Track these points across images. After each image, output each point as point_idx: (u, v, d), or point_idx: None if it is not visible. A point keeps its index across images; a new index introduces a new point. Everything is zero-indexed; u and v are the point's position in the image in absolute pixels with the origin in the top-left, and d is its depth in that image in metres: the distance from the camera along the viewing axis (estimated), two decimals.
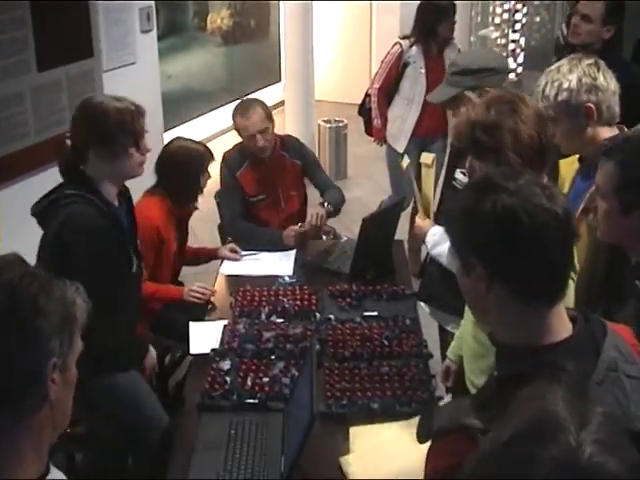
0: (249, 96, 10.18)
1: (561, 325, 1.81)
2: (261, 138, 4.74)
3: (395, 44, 6.40)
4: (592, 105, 3.08)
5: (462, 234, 1.86)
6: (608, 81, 3.09)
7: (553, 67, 3.20)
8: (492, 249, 1.76)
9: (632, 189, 2.34)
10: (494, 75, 3.72)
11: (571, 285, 2.40)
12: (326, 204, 4.87)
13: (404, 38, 6.33)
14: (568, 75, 3.09)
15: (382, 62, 6.50)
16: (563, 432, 1.15)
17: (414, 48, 6.26)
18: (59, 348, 1.53)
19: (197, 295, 4.26)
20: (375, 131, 6.60)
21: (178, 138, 4.76)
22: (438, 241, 3.48)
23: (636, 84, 4.42)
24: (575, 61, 3.14)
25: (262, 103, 4.90)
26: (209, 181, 4.61)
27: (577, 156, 3.20)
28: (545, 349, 1.77)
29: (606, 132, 3.10)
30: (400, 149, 6.45)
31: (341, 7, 11.52)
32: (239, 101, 4.98)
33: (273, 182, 4.97)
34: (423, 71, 6.22)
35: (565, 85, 3.09)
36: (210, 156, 4.57)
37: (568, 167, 3.24)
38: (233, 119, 4.85)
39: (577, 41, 4.76)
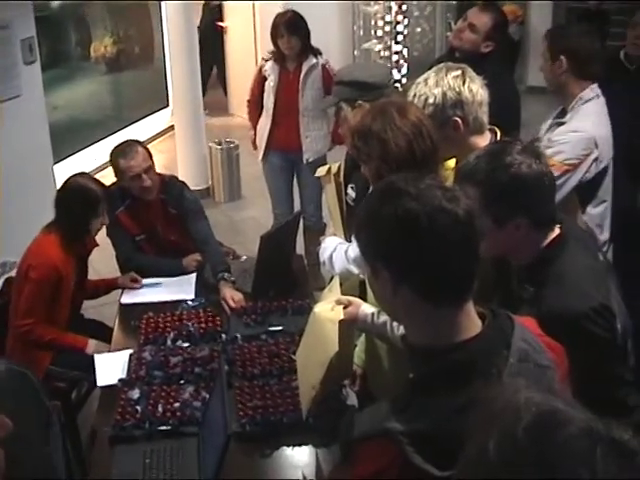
0: (138, 123, 10.29)
1: (470, 322, 1.84)
2: (147, 178, 4.61)
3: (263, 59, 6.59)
4: (458, 119, 3.15)
5: (367, 239, 1.89)
6: (474, 93, 3.14)
7: (421, 78, 3.25)
8: (394, 253, 1.79)
9: (498, 203, 2.42)
10: (368, 90, 3.70)
11: None
12: (225, 276, 4.46)
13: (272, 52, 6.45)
14: (434, 89, 3.14)
15: None
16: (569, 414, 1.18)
17: (269, 62, 6.39)
18: None
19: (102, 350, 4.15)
20: (251, 142, 6.80)
21: (79, 175, 4.61)
22: (326, 248, 3.51)
23: (508, 96, 4.57)
24: (442, 73, 3.18)
25: (141, 143, 4.79)
26: None
27: (454, 160, 3.26)
28: (457, 347, 1.80)
29: (478, 140, 3.16)
30: (259, 158, 6.63)
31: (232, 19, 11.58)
32: (116, 145, 4.78)
33: (152, 225, 4.85)
34: (272, 84, 6.34)
35: (430, 100, 3.14)
36: (104, 198, 4.40)
37: (447, 171, 3.29)
38: (114, 163, 4.67)
39: (457, 44, 4.89)
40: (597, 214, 3.98)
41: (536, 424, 1.13)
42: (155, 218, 4.84)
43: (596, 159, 3.84)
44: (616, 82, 4.89)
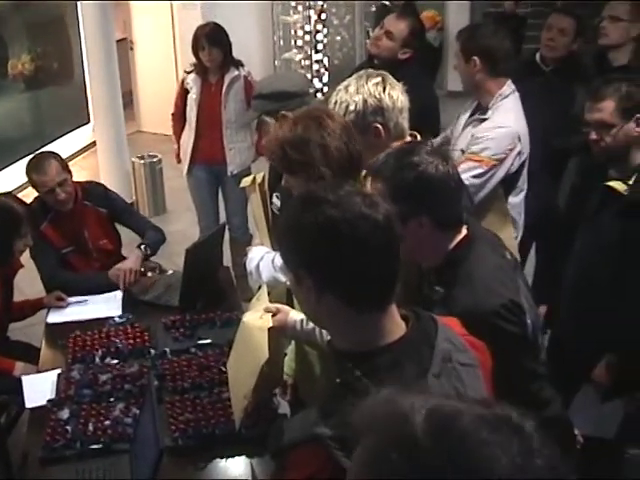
0: (59, 140, 10.16)
1: (394, 325, 1.87)
2: (61, 191, 4.63)
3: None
4: (379, 125, 3.21)
5: (289, 247, 1.90)
6: (394, 100, 3.21)
7: (342, 86, 3.30)
8: (316, 260, 1.81)
9: (402, 200, 2.42)
10: (289, 99, 3.72)
11: None
12: (142, 247, 4.82)
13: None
14: (354, 96, 3.20)
15: None
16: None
17: (191, 75, 6.38)
18: None
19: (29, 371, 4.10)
20: (175, 155, 6.76)
21: (2, 195, 4.57)
22: (252, 258, 3.51)
23: (426, 101, 4.64)
24: (362, 80, 3.24)
25: (56, 155, 4.78)
26: None
27: None
28: (381, 350, 1.83)
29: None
30: (184, 172, 6.61)
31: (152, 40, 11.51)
32: (31, 157, 4.81)
33: (79, 233, 4.86)
34: (195, 97, 6.34)
35: (352, 107, 3.20)
36: (28, 219, 4.36)
37: None
38: (28, 176, 4.70)
39: (375, 51, 4.96)
40: (518, 202, 4.18)
41: (431, 423, 1.15)
42: (81, 226, 4.85)
43: (519, 152, 4.01)
44: (533, 83, 5.01)
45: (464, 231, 2.61)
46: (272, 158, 2.99)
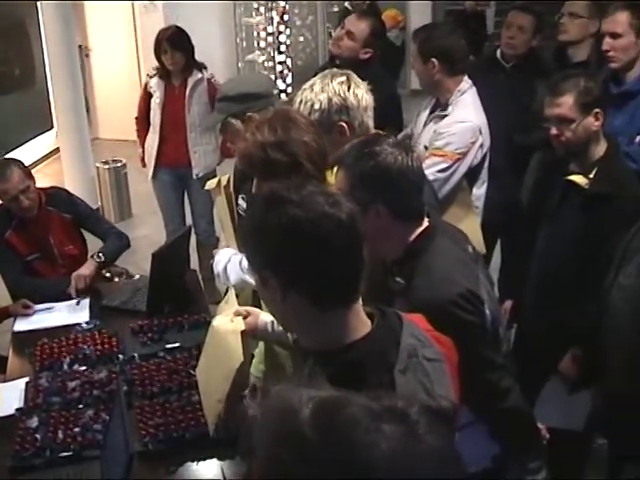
0: (22, 147, 10.07)
1: (360, 323, 1.88)
2: (25, 198, 4.61)
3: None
4: (344, 124, 3.24)
5: (253, 248, 1.91)
6: (359, 99, 3.25)
7: (307, 85, 3.32)
8: (281, 260, 1.81)
9: (359, 187, 2.47)
10: (255, 100, 3.73)
11: None
12: (95, 256, 4.78)
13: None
14: (319, 95, 3.23)
15: None
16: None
17: (154, 79, 6.37)
18: None
19: None
20: (140, 159, 6.73)
21: None
22: (219, 260, 3.51)
23: (389, 97, 4.70)
24: (327, 79, 3.27)
25: (18, 162, 4.76)
26: None
27: None
28: (347, 348, 1.84)
29: None
30: (149, 176, 6.59)
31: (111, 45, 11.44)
32: None
33: (44, 239, 4.83)
34: (158, 101, 6.33)
35: (317, 106, 3.22)
36: None
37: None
38: None
39: (336, 51, 5.00)
40: (482, 193, 4.29)
41: (317, 416, 1.16)
42: (46, 232, 4.82)
43: (481, 145, 4.11)
44: (494, 79, 5.07)
45: (425, 223, 2.63)
46: (249, 163, 2.96)
